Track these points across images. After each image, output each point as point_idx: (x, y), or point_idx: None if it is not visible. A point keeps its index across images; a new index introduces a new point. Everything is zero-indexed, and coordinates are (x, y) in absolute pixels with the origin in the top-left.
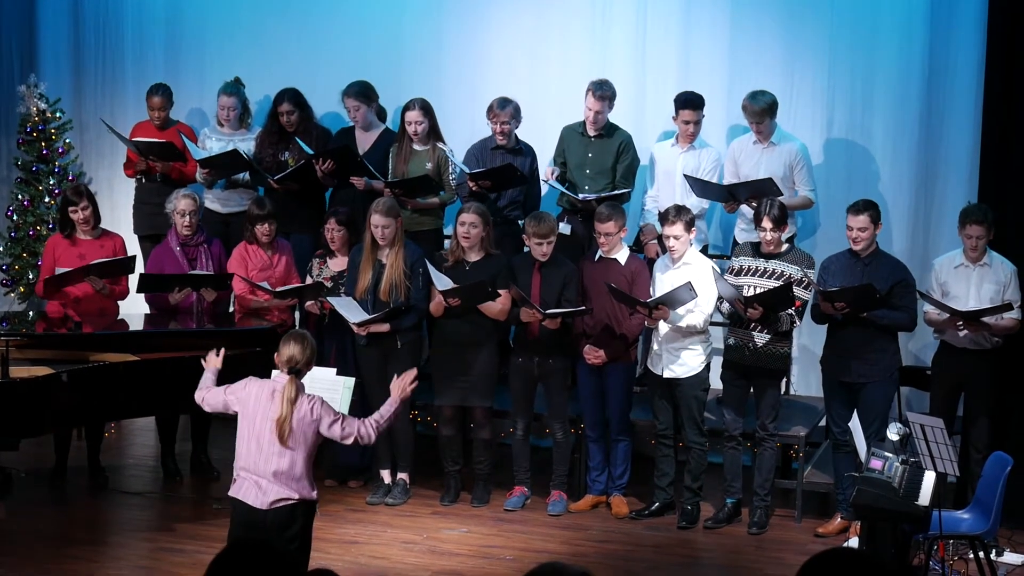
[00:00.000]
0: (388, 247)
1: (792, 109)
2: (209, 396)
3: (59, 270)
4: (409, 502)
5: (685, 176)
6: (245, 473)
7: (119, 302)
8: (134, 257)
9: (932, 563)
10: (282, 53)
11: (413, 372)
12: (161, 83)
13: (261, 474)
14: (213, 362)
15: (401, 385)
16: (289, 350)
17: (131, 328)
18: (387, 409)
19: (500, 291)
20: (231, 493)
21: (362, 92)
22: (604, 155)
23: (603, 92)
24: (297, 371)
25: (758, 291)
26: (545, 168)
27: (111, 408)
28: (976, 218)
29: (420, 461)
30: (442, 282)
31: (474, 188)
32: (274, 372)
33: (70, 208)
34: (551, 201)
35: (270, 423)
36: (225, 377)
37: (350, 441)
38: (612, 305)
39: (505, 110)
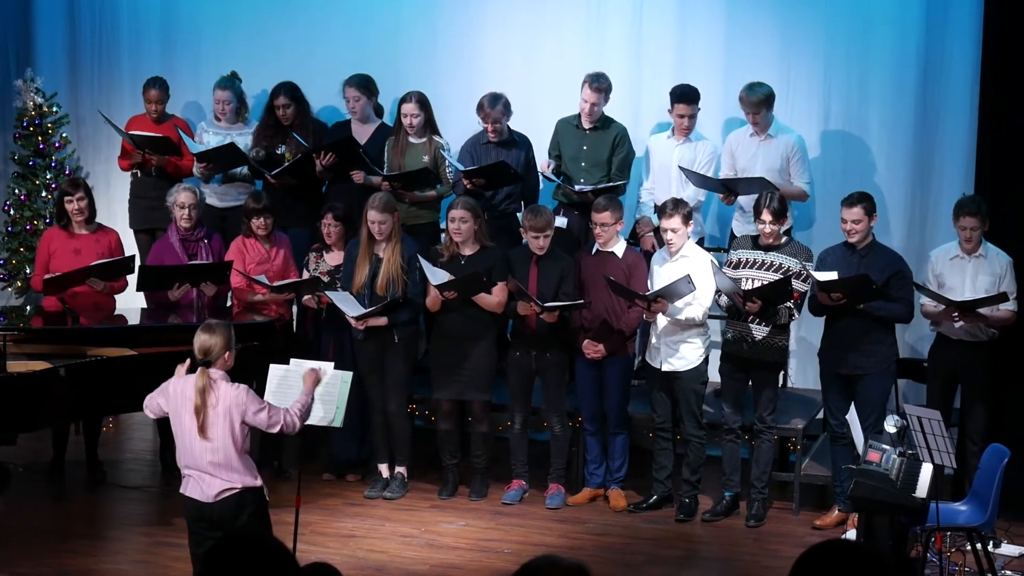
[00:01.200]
0: (385, 241)
1: (788, 101)
2: (147, 402)
3: (57, 272)
4: (407, 496)
5: (680, 168)
6: (187, 470)
7: (116, 296)
8: (133, 257)
9: (929, 555)
10: (278, 47)
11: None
12: (158, 76)
13: (201, 468)
14: (178, 372)
15: (314, 377)
16: (199, 341)
17: (129, 322)
18: (303, 399)
19: (497, 283)
20: (180, 491)
21: (364, 83)
22: (600, 148)
23: (599, 84)
24: (207, 362)
25: (756, 284)
26: (542, 161)
27: (109, 402)
28: (970, 209)
29: (418, 455)
30: (436, 277)
31: (468, 186)
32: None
33: (66, 198)
34: (547, 194)
35: (194, 417)
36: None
37: (276, 429)
38: (610, 299)
39: (495, 108)
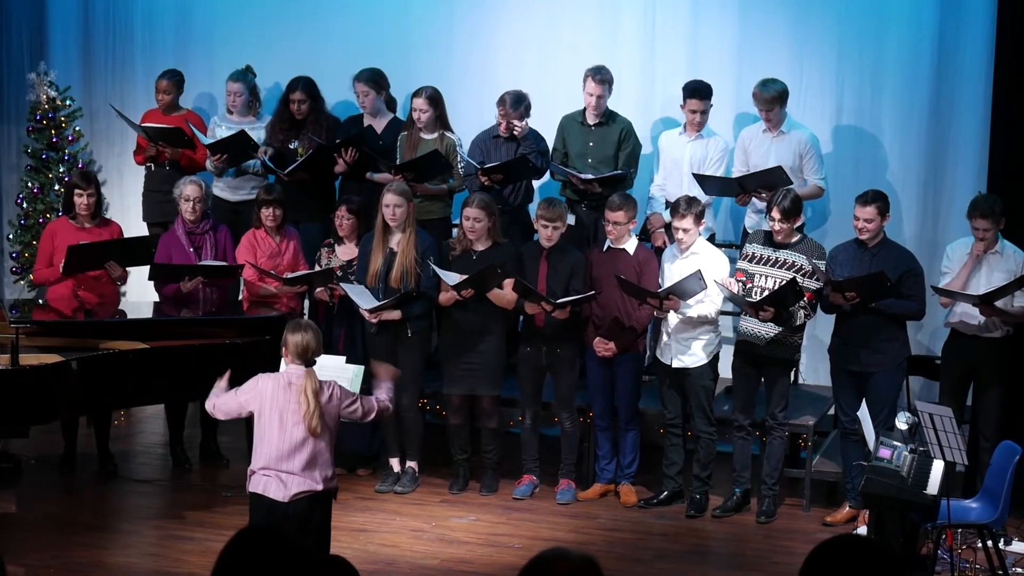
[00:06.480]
0: (399, 232)
1: (801, 97)
2: (220, 403)
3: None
4: (418, 490)
5: (694, 175)
6: (267, 470)
7: (127, 288)
8: (148, 239)
9: (940, 552)
10: (292, 41)
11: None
12: (172, 68)
13: (285, 469)
14: (221, 385)
15: (390, 372)
16: (300, 340)
17: (141, 316)
18: (386, 390)
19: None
20: (251, 489)
21: (372, 78)
22: (605, 144)
23: (603, 76)
24: (312, 362)
25: (768, 280)
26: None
27: (120, 395)
28: (983, 211)
29: (429, 450)
30: (451, 279)
31: (486, 183)
32: (282, 362)
33: (76, 191)
34: (554, 191)
35: (291, 416)
36: (234, 367)
37: (371, 417)
38: (621, 296)
39: (516, 109)
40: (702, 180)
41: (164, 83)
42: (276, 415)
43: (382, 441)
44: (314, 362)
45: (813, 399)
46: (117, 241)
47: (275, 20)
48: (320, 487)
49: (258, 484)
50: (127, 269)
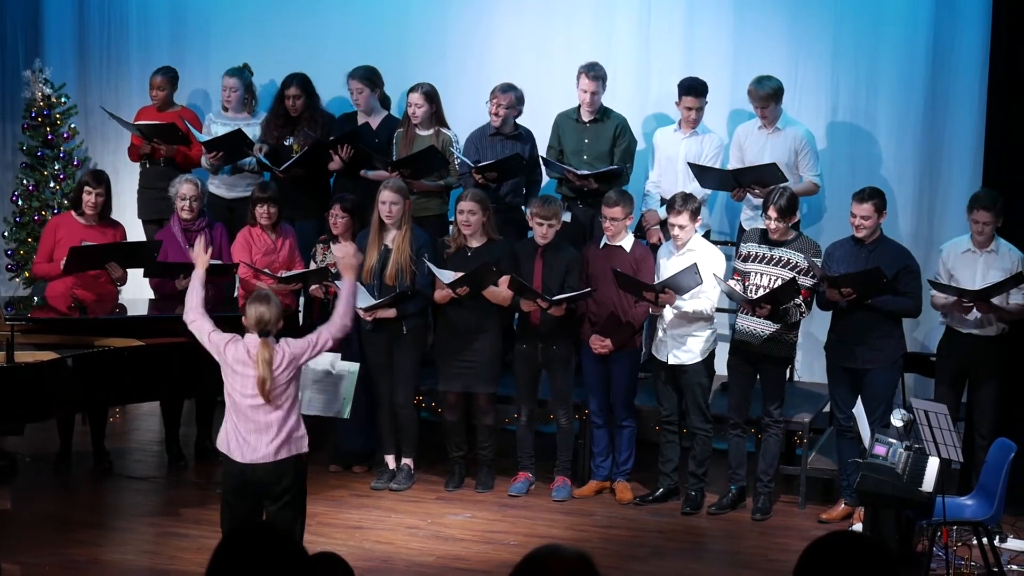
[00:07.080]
0: (395, 228)
1: (796, 94)
2: (198, 326)
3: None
4: (413, 487)
5: (689, 164)
6: (232, 429)
7: (123, 286)
8: (148, 245)
9: (935, 549)
10: (288, 38)
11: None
12: (166, 66)
13: (249, 430)
14: (203, 259)
15: (346, 260)
16: (256, 311)
17: (136, 313)
18: (345, 294)
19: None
20: (217, 445)
21: (367, 76)
22: (600, 140)
23: (596, 72)
24: (267, 332)
25: (765, 279)
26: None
27: (116, 393)
28: (984, 204)
29: (424, 447)
30: (446, 277)
31: (480, 181)
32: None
33: (86, 188)
34: (551, 190)
35: (249, 382)
36: None
37: (331, 344)
38: (617, 293)
39: (506, 95)
40: (699, 172)
41: (158, 80)
42: (238, 379)
43: (378, 438)
44: (269, 332)
45: (809, 396)
46: (120, 244)
47: (271, 17)
48: (283, 454)
49: (227, 445)
50: (127, 271)
